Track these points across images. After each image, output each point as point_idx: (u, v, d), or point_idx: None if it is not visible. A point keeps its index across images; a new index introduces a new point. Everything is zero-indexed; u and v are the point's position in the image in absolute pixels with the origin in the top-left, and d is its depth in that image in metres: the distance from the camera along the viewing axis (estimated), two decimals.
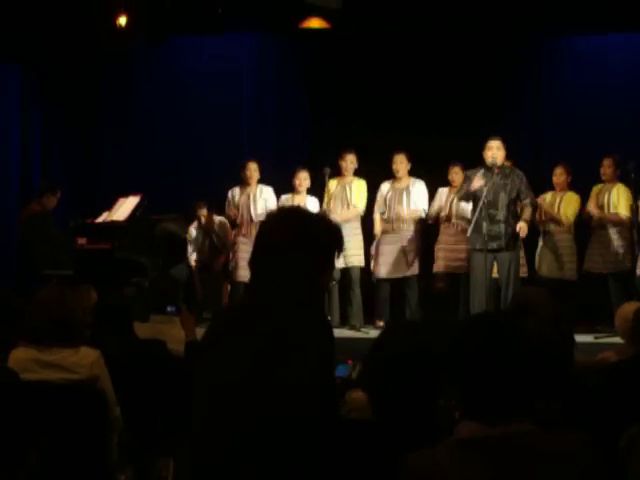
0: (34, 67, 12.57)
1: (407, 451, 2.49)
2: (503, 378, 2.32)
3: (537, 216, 10.36)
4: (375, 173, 10.76)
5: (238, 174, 11.11)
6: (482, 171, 9.45)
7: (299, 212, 3.21)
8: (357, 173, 10.69)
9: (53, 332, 4.55)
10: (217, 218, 11.11)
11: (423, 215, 10.55)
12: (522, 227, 9.47)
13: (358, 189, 10.61)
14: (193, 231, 11.17)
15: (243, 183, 10.85)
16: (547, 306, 3.79)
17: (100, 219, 11.26)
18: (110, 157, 12.99)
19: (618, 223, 10.09)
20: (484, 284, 9.32)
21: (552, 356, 3.24)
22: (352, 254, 10.31)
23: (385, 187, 10.64)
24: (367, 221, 10.73)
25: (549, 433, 2.35)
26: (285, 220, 3.08)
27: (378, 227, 10.61)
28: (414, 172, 10.61)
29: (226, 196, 10.96)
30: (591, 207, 10.25)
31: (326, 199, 10.54)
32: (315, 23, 11.36)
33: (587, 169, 10.51)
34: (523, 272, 10.45)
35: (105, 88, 13.03)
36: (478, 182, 9.31)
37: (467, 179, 9.60)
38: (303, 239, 2.99)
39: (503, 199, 9.38)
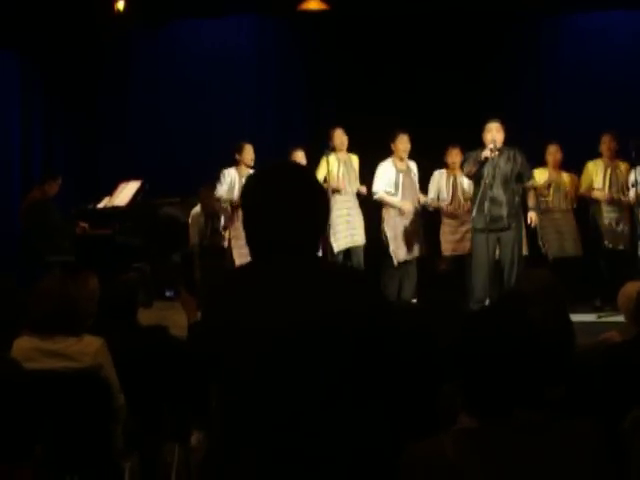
0: (33, 53, 12.57)
1: (412, 438, 2.48)
2: (505, 373, 2.31)
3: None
4: (374, 154, 10.73)
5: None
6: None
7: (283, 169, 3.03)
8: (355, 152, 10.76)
9: (56, 321, 4.55)
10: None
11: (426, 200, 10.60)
12: (532, 217, 9.53)
13: (356, 164, 10.67)
14: (195, 215, 11.10)
15: (238, 165, 10.74)
16: (548, 293, 3.78)
17: (101, 204, 11.27)
18: (110, 142, 12.97)
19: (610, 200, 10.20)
20: (486, 265, 9.33)
21: (553, 344, 3.24)
22: (358, 233, 10.32)
23: (391, 169, 10.57)
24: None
25: (552, 421, 2.35)
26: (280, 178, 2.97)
27: (400, 204, 10.52)
28: (411, 155, 10.61)
29: (218, 177, 10.75)
30: (597, 194, 10.31)
31: (321, 174, 10.43)
32: (313, 5, 11.35)
33: (588, 148, 10.51)
34: (524, 250, 10.47)
35: (104, 73, 13.01)
36: (488, 151, 9.27)
37: (469, 157, 9.56)
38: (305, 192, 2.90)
39: (504, 180, 9.35)
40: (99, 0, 11.44)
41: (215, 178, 10.71)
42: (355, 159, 10.69)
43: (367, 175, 10.63)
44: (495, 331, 2.30)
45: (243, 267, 3.01)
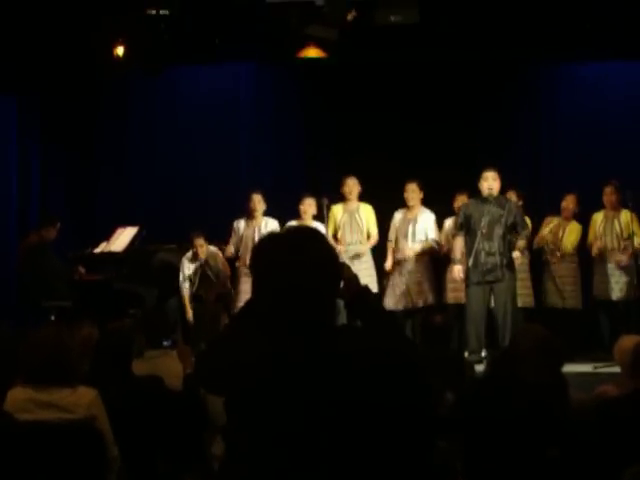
0: (31, 98, 12.60)
1: None
2: (505, 439, 2.30)
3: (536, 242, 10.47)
4: (372, 202, 10.76)
5: (236, 203, 11.16)
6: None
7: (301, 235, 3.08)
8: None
9: (50, 372, 4.52)
10: (211, 248, 11.04)
11: (435, 245, 10.56)
12: (517, 256, 9.53)
13: (369, 215, 10.68)
14: (185, 262, 11.07)
15: (249, 215, 10.84)
16: (542, 351, 3.77)
17: (98, 249, 11.25)
18: (108, 187, 12.97)
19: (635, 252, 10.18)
20: (480, 316, 9.35)
21: (547, 404, 3.23)
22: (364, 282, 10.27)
23: (397, 217, 10.66)
24: (378, 248, 10.77)
25: None
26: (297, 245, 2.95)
27: (390, 262, 10.60)
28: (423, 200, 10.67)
29: (231, 227, 10.98)
30: (595, 248, 10.32)
31: (331, 227, 10.55)
32: (312, 52, 11.37)
33: (585, 197, 10.55)
34: (529, 303, 10.48)
35: (103, 118, 13.03)
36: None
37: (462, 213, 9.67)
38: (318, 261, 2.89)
39: (498, 231, 9.37)
40: (98, 45, 11.46)
41: (221, 227, 11.02)
42: (365, 209, 10.71)
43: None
44: (492, 404, 2.29)
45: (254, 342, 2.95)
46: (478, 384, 2.41)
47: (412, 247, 10.49)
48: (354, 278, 3.05)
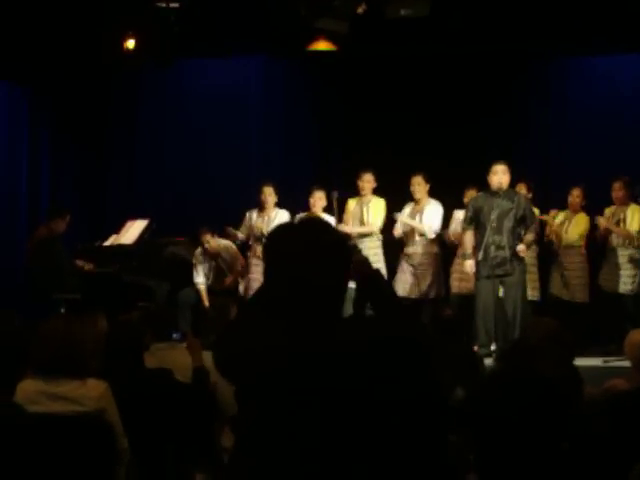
0: (42, 91, 12.61)
1: None
2: (518, 433, 2.29)
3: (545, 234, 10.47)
4: (382, 196, 10.76)
5: (246, 197, 11.21)
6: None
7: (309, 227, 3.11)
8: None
9: (60, 364, 4.52)
10: (222, 242, 11.08)
11: (431, 235, 10.50)
12: (522, 249, 9.48)
13: (376, 207, 10.68)
14: (199, 257, 11.12)
15: (260, 207, 10.90)
16: (555, 343, 3.77)
17: (108, 242, 11.26)
18: (118, 180, 13.01)
19: (626, 237, 10.12)
20: (489, 309, 9.34)
21: (560, 397, 3.22)
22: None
23: (406, 211, 10.67)
24: (386, 239, 10.75)
25: None
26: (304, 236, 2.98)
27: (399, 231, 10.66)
28: (431, 194, 10.65)
29: (243, 217, 11.06)
30: (600, 219, 10.26)
31: (345, 219, 10.60)
32: (322, 45, 11.36)
33: (595, 192, 10.53)
34: (535, 295, 10.46)
35: (113, 111, 13.07)
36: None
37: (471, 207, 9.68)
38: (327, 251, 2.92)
39: (508, 224, 9.37)
40: (109, 38, 11.48)
41: (230, 220, 11.11)
42: (376, 202, 10.72)
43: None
44: (504, 397, 2.28)
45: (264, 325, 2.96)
46: (489, 377, 2.40)
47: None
48: (365, 261, 3.06)
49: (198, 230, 10.97)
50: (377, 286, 3.05)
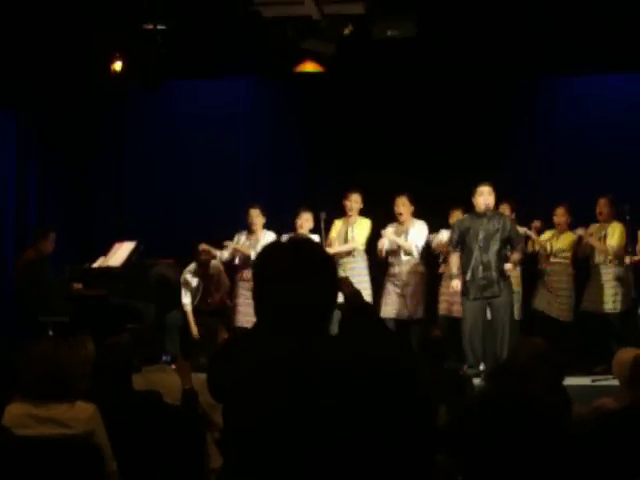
0: (30, 111, 12.60)
1: None
2: (507, 453, 2.30)
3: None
4: (369, 216, 10.77)
5: (234, 218, 11.20)
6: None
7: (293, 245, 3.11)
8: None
9: (48, 387, 4.52)
10: (213, 262, 11.07)
11: (415, 253, 10.49)
12: (509, 268, 9.53)
13: (360, 226, 10.68)
14: (188, 275, 11.09)
15: (249, 229, 10.90)
16: (543, 363, 3.77)
17: (96, 264, 11.23)
18: (106, 202, 13.00)
19: (602, 252, 10.16)
20: (477, 330, 9.39)
21: (549, 417, 3.23)
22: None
23: (389, 230, 10.64)
24: (371, 260, 10.76)
25: None
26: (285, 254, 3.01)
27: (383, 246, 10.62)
28: (416, 215, 10.67)
29: (231, 239, 11.04)
30: (579, 230, 10.33)
31: (330, 239, 10.59)
32: (309, 67, 11.38)
33: (583, 211, 10.57)
34: (518, 315, 10.47)
35: (101, 133, 13.07)
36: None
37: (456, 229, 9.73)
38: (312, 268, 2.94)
39: (494, 246, 9.43)
40: (96, 60, 11.48)
41: (218, 242, 11.04)
42: (361, 222, 10.74)
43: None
44: (492, 417, 2.29)
45: (251, 339, 2.98)
46: (478, 397, 2.41)
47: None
48: (357, 293, 3.09)
49: (193, 244, 10.95)
50: (367, 317, 3.08)
